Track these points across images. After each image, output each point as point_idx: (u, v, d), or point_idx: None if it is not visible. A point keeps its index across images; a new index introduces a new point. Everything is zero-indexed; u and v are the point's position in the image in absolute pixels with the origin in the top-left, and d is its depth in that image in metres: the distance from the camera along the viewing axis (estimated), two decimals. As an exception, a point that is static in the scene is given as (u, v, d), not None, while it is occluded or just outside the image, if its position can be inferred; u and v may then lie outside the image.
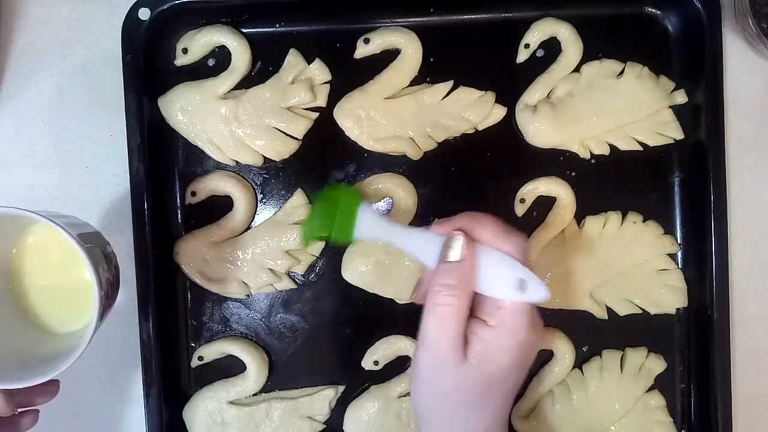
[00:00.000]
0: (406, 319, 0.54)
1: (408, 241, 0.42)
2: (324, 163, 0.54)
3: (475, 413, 0.39)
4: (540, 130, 0.52)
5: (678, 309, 0.54)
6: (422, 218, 0.54)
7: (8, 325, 0.46)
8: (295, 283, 0.54)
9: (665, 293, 0.53)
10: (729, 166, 0.53)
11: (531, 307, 0.38)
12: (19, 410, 0.44)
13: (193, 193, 0.54)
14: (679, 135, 0.53)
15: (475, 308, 0.39)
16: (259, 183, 0.55)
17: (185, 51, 0.53)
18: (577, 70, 0.53)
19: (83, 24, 0.53)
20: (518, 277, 0.38)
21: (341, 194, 0.45)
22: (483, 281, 0.39)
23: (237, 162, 0.54)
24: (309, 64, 0.53)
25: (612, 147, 0.53)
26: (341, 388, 0.54)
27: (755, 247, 0.55)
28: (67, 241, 0.41)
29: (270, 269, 0.53)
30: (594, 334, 0.54)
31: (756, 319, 0.55)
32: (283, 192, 0.54)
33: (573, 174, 0.54)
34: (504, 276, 0.38)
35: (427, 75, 0.54)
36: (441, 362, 0.38)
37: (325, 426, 0.54)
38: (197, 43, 0.53)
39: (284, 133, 0.53)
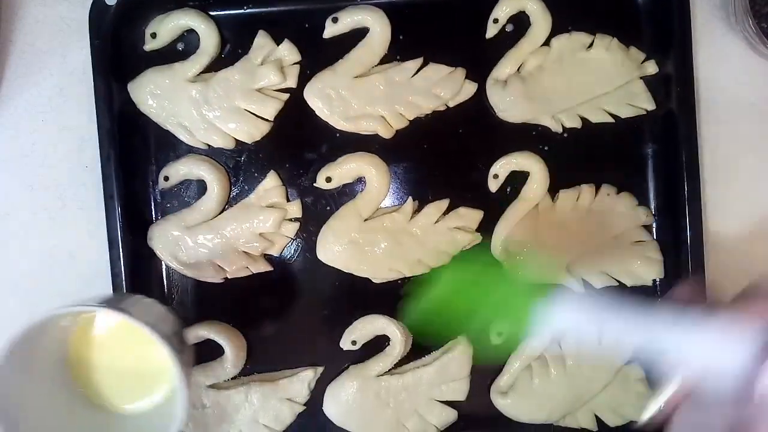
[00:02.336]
0: (382, 298, 0.54)
1: (675, 335, 0.32)
2: (296, 144, 0.54)
3: None
4: (511, 104, 0.52)
5: (654, 280, 0.54)
6: (396, 196, 0.54)
7: (72, 409, 0.45)
8: (271, 265, 0.54)
9: (641, 265, 0.53)
10: (729, 167, 0.54)
11: None
12: None
13: (166, 178, 0.54)
14: (650, 106, 0.53)
15: None
16: (231, 166, 0.54)
17: (154, 36, 0.53)
18: (546, 43, 0.53)
19: (83, 24, 0.53)
20: None
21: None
22: None
23: (209, 145, 0.54)
24: (278, 45, 0.53)
25: (584, 120, 0.53)
26: (320, 369, 0.54)
27: (754, 246, 0.55)
28: (131, 325, 0.41)
29: (245, 252, 0.53)
30: (571, 308, 0.54)
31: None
32: (256, 174, 0.54)
33: (545, 148, 0.54)
34: None
35: (396, 53, 0.54)
36: None
37: (305, 407, 0.54)
38: (165, 28, 0.53)
39: (255, 115, 0.53)
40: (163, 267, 0.55)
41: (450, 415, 0.53)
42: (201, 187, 0.54)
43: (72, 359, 0.46)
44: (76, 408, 0.45)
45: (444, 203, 0.53)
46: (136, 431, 0.44)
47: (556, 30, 0.53)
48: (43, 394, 0.44)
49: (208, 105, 0.52)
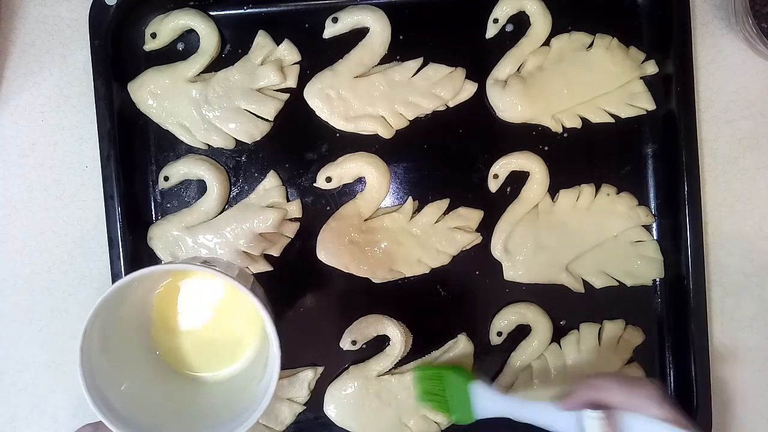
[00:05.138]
0: (382, 298, 0.54)
1: (536, 415, 0.43)
2: (296, 144, 0.54)
3: None
4: (511, 104, 0.52)
5: (654, 280, 0.54)
6: (396, 196, 0.54)
7: (155, 374, 0.45)
8: (271, 265, 0.54)
9: (641, 265, 0.53)
10: (729, 167, 0.54)
11: None
12: None
13: (166, 178, 0.54)
14: (650, 106, 0.53)
15: None
16: (231, 166, 0.54)
17: (154, 36, 0.53)
18: (546, 43, 0.53)
19: (83, 24, 0.53)
20: None
21: (448, 375, 0.49)
22: None
23: (209, 145, 0.54)
24: (278, 45, 0.53)
25: (584, 120, 0.53)
26: (320, 370, 0.54)
27: (754, 246, 0.55)
28: (222, 288, 0.41)
29: (245, 252, 0.53)
30: (571, 308, 0.54)
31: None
32: (256, 174, 0.54)
33: (545, 148, 0.54)
34: None
35: (396, 53, 0.54)
36: None
37: (305, 407, 0.54)
38: (165, 28, 0.53)
39: (255, 115, 0.53)
40: (163, 267, 0.55)
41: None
42: (201, 187, 0.54)
43: (155, 325, 0.46)
44: (160, 374, 0.45)
45: (444, 203, 0.53)
46: (220, 397, 0.44)
47: (556, 30, 0.53)
48: (128, 361, 0.43)
49: (208, 105, 0.52)
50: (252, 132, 0.53)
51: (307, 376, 0.54)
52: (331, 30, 0.53)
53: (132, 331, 0.44)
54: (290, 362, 0.55)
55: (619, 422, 0.38)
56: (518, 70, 0.53)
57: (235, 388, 0.45)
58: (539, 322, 0.53)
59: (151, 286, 0.46)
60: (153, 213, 0.55)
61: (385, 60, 0.53)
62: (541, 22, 0.52)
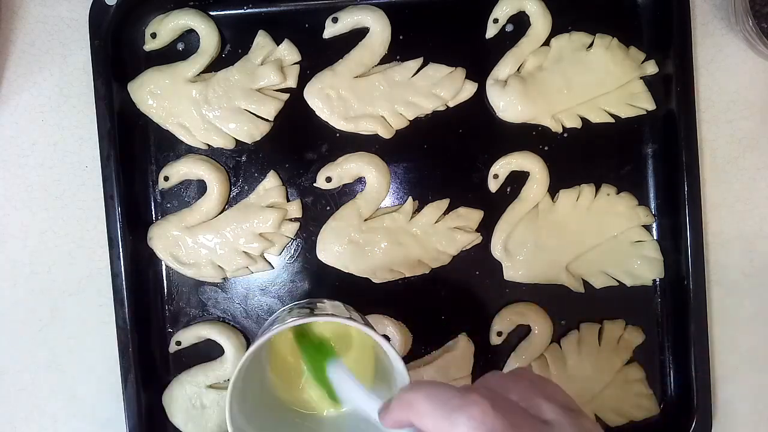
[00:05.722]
0: (382, 298, 0.54)
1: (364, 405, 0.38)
2: (296, 144, 0.54)
3: None
4: (511, 104, 0.52)
5: (654, 280, 0.54)
6: (396, 196, 0.54)
7: (278, 414, 0.43)
8: (271, 265, 0.54)
9: (641, 265, 0.53)
10: (729, 167, 0.54)
11: None
12: None
13: (166, 178, 0.54)
14: (650, 106, 0.53)
15: None
16: (231, 166, 0.54)
17: (154, 36, 0.53)
18: (546, 43, 0.53)
19: (83, 24, 0.53)
20: None
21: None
22: None
23: (209, 145, 0.54)
24: (278, 45, 0.53)
25: (584, 120, 0.53)
26: (320, 369, 0.54)
27: (754, 246, 0.55)
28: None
29: (245, 252, 0.53)
30: (571, 308, 0.54)
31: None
32: (256, 174, 0.54)
33: (545, 148, 0.54)
34: None
35: (396, 53, 0.54)
36: None
37: (305, 408, 0.54)
38: (165, 28, 0.53)
39: (255, 115, 0.53)
40: (163, 267, 0.55)
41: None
42: (201, 187, 0.54)
43: (272, 364, 0.45)
44: (282, 414, 0.44)
45: (444, 203, 0.53)
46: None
47: (556, 30, 0.53)
48: (257, 402, 0.42)
49: (208, 105, 0.52)
50: (252, 132, 0.53)
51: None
52: (331, 30, 0.53)
53: (252, 371, 0.42)
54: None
55: None
56: (518, 70, 0.53)
57: (360, 421, 0.41)
58: (539, 322, 0.53)
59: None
60: (153, 213, 0.55)
61: (385, 60, 0.53)
62: (541, 22, 0.52)
